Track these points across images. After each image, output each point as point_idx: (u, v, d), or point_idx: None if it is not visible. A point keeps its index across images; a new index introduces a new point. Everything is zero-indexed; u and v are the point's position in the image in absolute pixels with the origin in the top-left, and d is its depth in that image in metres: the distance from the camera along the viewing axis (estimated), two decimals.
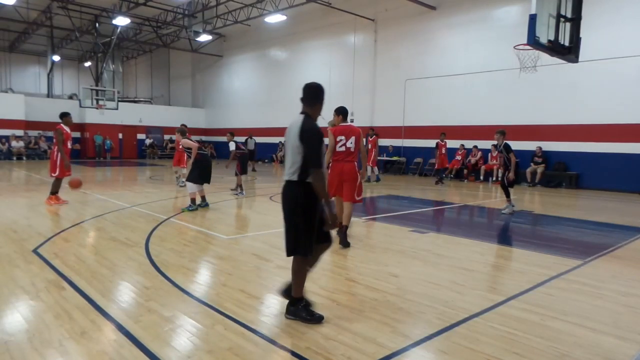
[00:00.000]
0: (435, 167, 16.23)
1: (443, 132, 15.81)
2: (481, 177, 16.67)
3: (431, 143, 17.78)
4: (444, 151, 15.42)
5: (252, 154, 19.56)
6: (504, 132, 9.13)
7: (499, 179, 9.78)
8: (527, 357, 2.97)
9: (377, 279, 4.58)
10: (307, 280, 4.57)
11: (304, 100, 3.45)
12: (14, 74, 34.65)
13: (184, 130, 9.42)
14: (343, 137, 5.86)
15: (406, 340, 3.20)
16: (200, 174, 8.47)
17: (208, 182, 8.73)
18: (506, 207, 9.21)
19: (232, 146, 11.02)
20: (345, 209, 6.02)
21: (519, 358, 2.96)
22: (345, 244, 5.88)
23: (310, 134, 3.26)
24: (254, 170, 19.02)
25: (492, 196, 10.76)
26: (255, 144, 21.12)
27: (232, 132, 11.70)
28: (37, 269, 4.69)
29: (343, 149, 5.87)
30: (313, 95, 3.44)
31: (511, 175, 8.89)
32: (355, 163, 5.96)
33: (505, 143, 9.00)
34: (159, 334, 3.21)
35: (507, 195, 9.22)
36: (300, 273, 3.47)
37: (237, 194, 11.15)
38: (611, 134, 13.96)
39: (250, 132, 22.06)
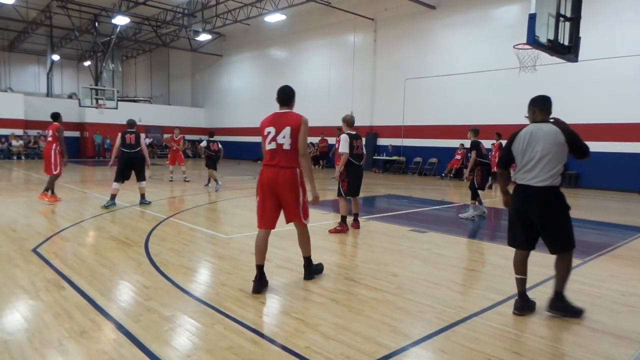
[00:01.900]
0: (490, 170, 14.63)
1: (498, 132, 14.08)
2: None
3: (431, 143, 17.77)
4: (494, 152, 14.15)
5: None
6: (477, 130, 8.67)
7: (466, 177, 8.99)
8: (527, 357, 2.97)
9: (376, 279, 4.58)
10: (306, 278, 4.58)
11: (540, 109, 3.90)
12: (14, 73, 34.64)
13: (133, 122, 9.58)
14: (272, 129, 4.11)
15: (406, 339, 3.20)
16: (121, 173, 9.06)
17: (126, 178, 9.27)
18: (468, 211, 8.66)
19: (203, 144, 12.18)
20: (299, 235, 4.48)
21: (519, 357, 2.96)
22: (309, 277, 4.50)
23: (576, 133, 3.81)
24: None
25: (492, 195, 10.74)
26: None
27: (213, 132, 12.89)
28: (36, 268, 4.69)
29: (273, 145, 4.10)
30: (550, 105, 3.94)
31: (465, 172, 8.61)
32: (297, 170, 4.15)
33: (473, 141, 8.44)
34: (158, 333, 3.21)
35: (473, 197, 8.58)
36: (571, 266, 3.73)
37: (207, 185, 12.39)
38: (611, 134, 13.97)
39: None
